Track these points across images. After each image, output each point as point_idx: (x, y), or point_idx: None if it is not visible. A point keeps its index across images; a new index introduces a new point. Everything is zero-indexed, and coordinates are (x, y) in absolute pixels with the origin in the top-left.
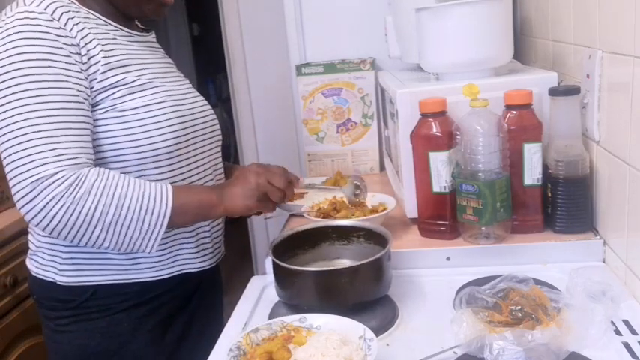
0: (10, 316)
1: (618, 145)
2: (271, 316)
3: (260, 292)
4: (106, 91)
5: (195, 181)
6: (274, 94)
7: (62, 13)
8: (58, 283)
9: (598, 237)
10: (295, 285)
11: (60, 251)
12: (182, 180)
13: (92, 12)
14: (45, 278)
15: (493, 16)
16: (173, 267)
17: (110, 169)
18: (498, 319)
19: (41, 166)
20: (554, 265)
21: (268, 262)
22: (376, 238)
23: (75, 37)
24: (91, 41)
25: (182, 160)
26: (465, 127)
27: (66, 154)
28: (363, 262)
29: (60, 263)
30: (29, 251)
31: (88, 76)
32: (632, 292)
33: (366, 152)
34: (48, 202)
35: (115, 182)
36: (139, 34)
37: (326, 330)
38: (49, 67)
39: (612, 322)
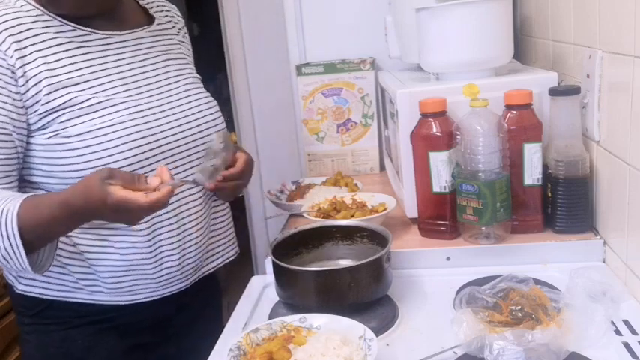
0: (10, 316)
1: (618, 145)
2: (271, 316)
3: (260, 292)
4: (51, 113)
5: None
6: (274, 94)
7: (2, 30)
8: (15, 289)
9: (598, 237)
10: (295, 285)
11: None
12: None
13: (58, 17)
14: (7, 280)
15: (493, 16)
16: (130, 295)
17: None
18: (498, 319)
19: None
20: (554, 265)
21: (268, 262)
22: (379, 239)
23: (11, 57)
24: (34, 60)
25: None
26: (465, 127)
27: None
28: (362, 262)
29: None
30: None
31: (28, 99)
32: (632, 292)
33: (366, 152)
34: None
35: None
36: (119, 33)
37: (326, 330)
38: None
39: (612, 322)
